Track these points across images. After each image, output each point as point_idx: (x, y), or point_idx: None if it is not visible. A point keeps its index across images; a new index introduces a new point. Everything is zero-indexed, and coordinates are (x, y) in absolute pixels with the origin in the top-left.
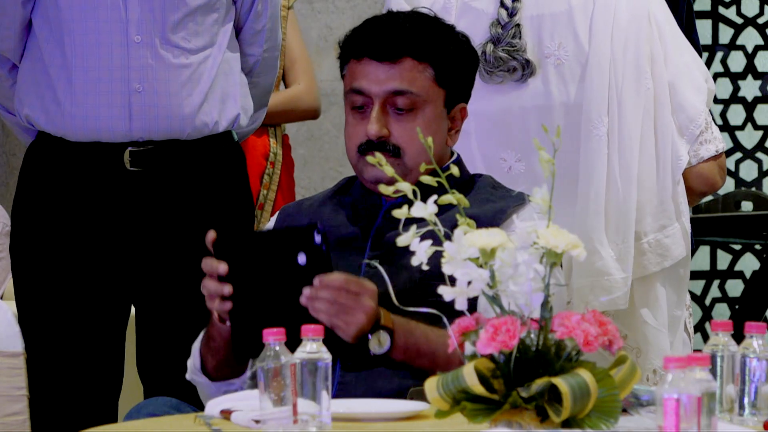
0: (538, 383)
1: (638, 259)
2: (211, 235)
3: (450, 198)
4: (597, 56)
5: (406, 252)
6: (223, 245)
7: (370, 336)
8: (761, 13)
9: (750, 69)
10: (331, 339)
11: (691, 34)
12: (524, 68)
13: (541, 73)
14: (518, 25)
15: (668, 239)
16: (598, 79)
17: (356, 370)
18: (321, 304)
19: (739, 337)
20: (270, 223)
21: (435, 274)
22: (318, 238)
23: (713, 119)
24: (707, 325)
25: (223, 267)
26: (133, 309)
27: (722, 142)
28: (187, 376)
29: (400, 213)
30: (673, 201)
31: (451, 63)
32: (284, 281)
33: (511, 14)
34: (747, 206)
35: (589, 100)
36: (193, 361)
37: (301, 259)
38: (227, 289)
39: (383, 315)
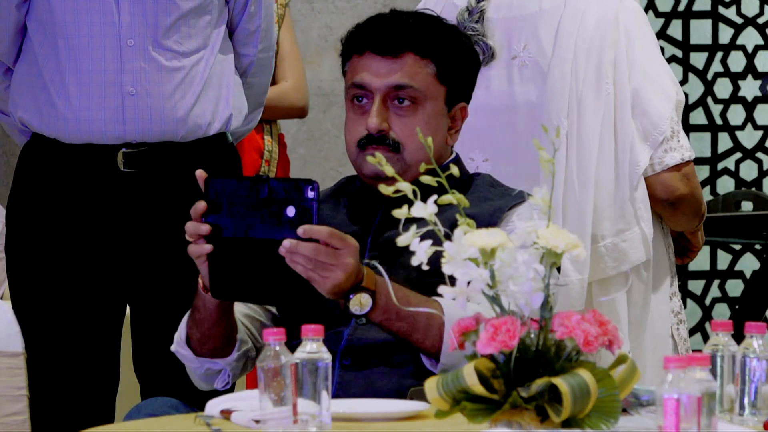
0: (538, 383)
1: (596, 262)
2: (201, 174)
3: (450, 198)
4: (559, 59)
5: (406, 251)
6: (214, 186)
7: (351, 296)
8: (761, 13)
9: (750, 69)
10: (309, 293)
11: None
12: (484, 52)
13: (507, 73)
14: (482, 11)
15: (625, 243)
16: (559, 82)
17: (356, 370)
18: (299, 258)
19: (739, 337)
20: None
21: (435, 273)
22: (311, 194)
23: (714, 120)
24: (707, 325)
25: (201, 205)
26: (128, 309)
27: (690, 151)
28: (172, 348)
29: (400, 213)
30: (632, 206)
31: (452, 60)
32: (269, 231)
33: (478, 1)
34: (747, 206)
35: (550, 102)
36: (180, 333)
37: (290, 212)
38: (204, 228)
39: (366, 276)
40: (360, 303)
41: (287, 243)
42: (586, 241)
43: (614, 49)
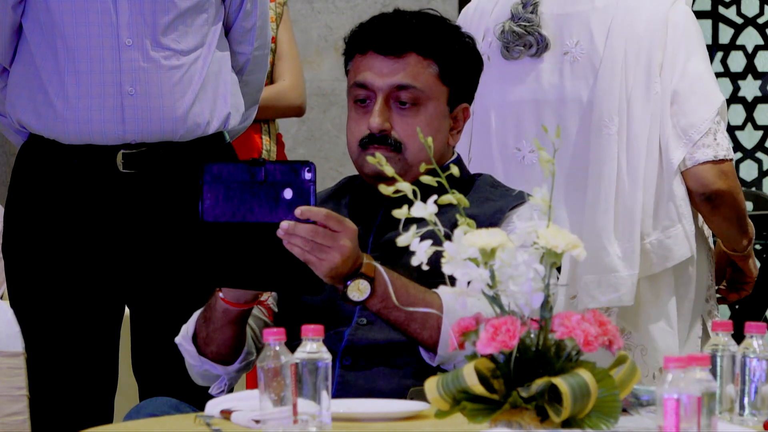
0: (538, 383)
1: (642, 259)
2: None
3: (450, 198)
4: (611, 57)
5: (406, 251)
6: (210, 171)
7: (349, 282)
8: (761, 13)
9: (750, 69)
10: (307, 277)
11: None
12: (539, 43)
13: (558, 68)
14: (536, 3)
15: (670, 240)
16: (609, 80)
17: (357, 370)
18: (296, 240)
19: (739, 337)
20: None
21: (435, 273)
22: (308, 175)
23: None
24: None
25: None
26: (127, 310)
27: (726, 151)
28: (177, 340)
29: (400, 213)
30: (674, 203)
31: (455, 61)
32: (266, 214)
33: None
34: (747, 206)
35: (601, 100)
36: (188, 327)
37: (287, 194)
38: None
39: (365, 263)
40: (358, 289)
41: (285, 224)
42: (635, 237)
43: (662, 51)
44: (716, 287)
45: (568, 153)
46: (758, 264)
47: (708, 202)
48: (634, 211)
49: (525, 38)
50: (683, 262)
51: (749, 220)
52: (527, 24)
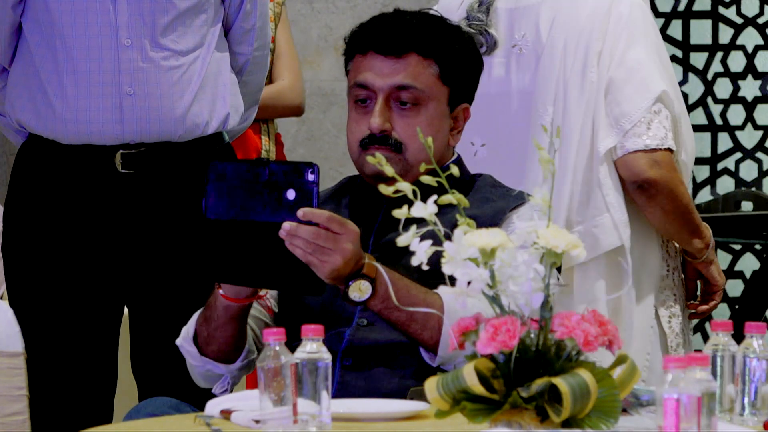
0: (538, 383)
1: None
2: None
3: (450, 198)
4: (551, 48)
5: (407, 252)
6: (215, 169)
7: (351, 283)
8: (761, 13)
9: (750, 69)
10: (308, 277)
11: None
12: (487, 42)
13: (506, 61)
14: (491, 2)
15: (596, 229)
16: (548, 70)
17: (357, 370)
18: (298, 241)
19: (739, 337)
20: None
21: (435, 274)
22: (311, 177)
23: (714, 120)
24: (707, 325)
25: None
26: (126, 310)
27: (660, 140)
28: (177, 342)
29: (400, 213)
30: (601, 192)
31: (455, 61)
32: (269, 214)
33: None
34: (747, 206)
35: (538, 90)
36: (188, 328)
37: (290, 195)
38: None
39: (367, 263)
40: (359, 290)
41: (287, 225)
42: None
43: (602, 40)
44: (688, 302)
45: (514, 145)
46: (755, 269)
47: (641, 190)
48: (560, 200)
49: (475, 38)
50: (615, 252)
51: (701, 221)
52: (478, 23)
